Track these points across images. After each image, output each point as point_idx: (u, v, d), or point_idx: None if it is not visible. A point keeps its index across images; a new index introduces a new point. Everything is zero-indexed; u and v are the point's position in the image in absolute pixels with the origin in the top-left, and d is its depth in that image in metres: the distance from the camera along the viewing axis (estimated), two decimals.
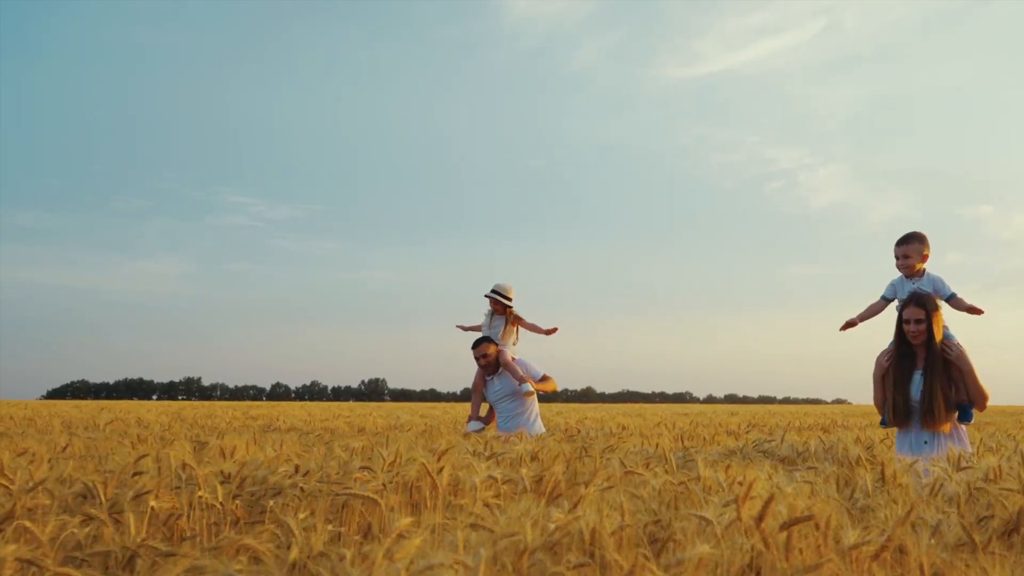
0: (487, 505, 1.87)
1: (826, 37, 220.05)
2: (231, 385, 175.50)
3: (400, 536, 1.26)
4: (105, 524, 1.75)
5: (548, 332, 5.54)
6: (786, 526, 1.24)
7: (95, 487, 2.03)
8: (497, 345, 5.51)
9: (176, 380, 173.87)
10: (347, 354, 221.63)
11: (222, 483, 2.22)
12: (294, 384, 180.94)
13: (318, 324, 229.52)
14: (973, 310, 3.80)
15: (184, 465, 2.35)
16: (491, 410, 5.68)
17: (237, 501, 2.22)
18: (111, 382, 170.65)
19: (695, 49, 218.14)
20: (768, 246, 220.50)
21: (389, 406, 33.60)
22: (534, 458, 2.66)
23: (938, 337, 3.72)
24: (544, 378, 5.54)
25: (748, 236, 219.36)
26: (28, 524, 1.55)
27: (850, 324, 4.19)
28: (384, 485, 2.34)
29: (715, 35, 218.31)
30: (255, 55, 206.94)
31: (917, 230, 4.01)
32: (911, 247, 3.95)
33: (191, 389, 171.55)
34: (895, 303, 4.02)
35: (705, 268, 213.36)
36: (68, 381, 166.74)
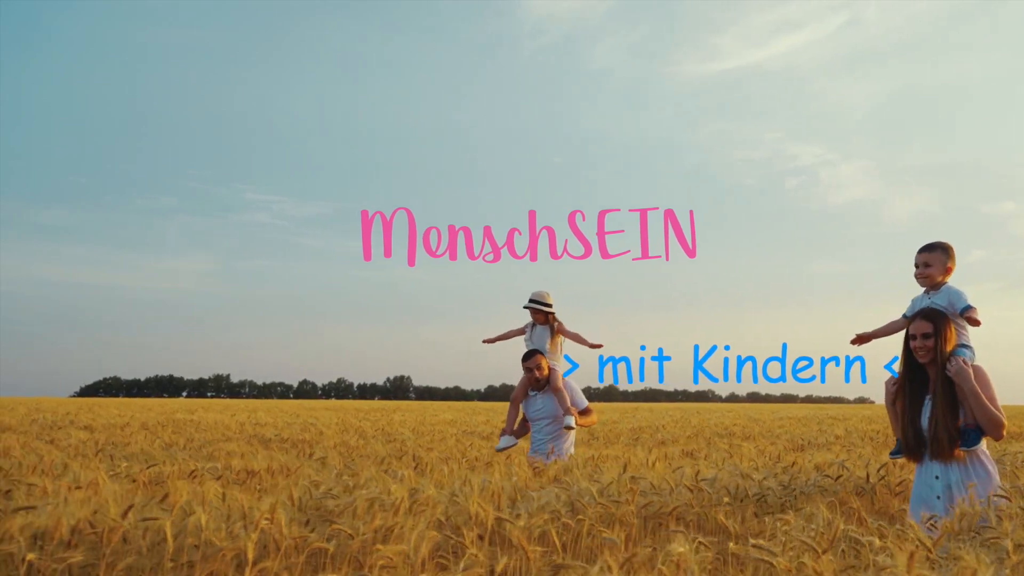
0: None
1: (848, 32, 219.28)
2: (259, 382, 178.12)
3: None
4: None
5: (593, 346, 5.30)
6: None
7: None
8: (547, 359, 5.28)
9: (206, 377, 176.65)
10: (372, 352, 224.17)
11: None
12: (320, 381, 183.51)
13: (343, 322, 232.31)
14: (972, 321, 3.46)
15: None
16: (523, 423, 5.47)
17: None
18: (142, 379, 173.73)
19: (716, 45, 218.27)
20: (790, 243, 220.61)
21: (459, 406, 34.88)
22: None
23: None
24: (587, 411, 5.37)
25: (770, 232, 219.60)
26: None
27: (863, 339, 3.88)
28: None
29: (736, 31, 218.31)
30: (278, 54, 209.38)
31: (943, 240, 3.65)
32: (934, 255, 3.61)
33: (220, 386, 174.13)
34: None
35: (727, 264, 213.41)
36: (101, 378, 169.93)
